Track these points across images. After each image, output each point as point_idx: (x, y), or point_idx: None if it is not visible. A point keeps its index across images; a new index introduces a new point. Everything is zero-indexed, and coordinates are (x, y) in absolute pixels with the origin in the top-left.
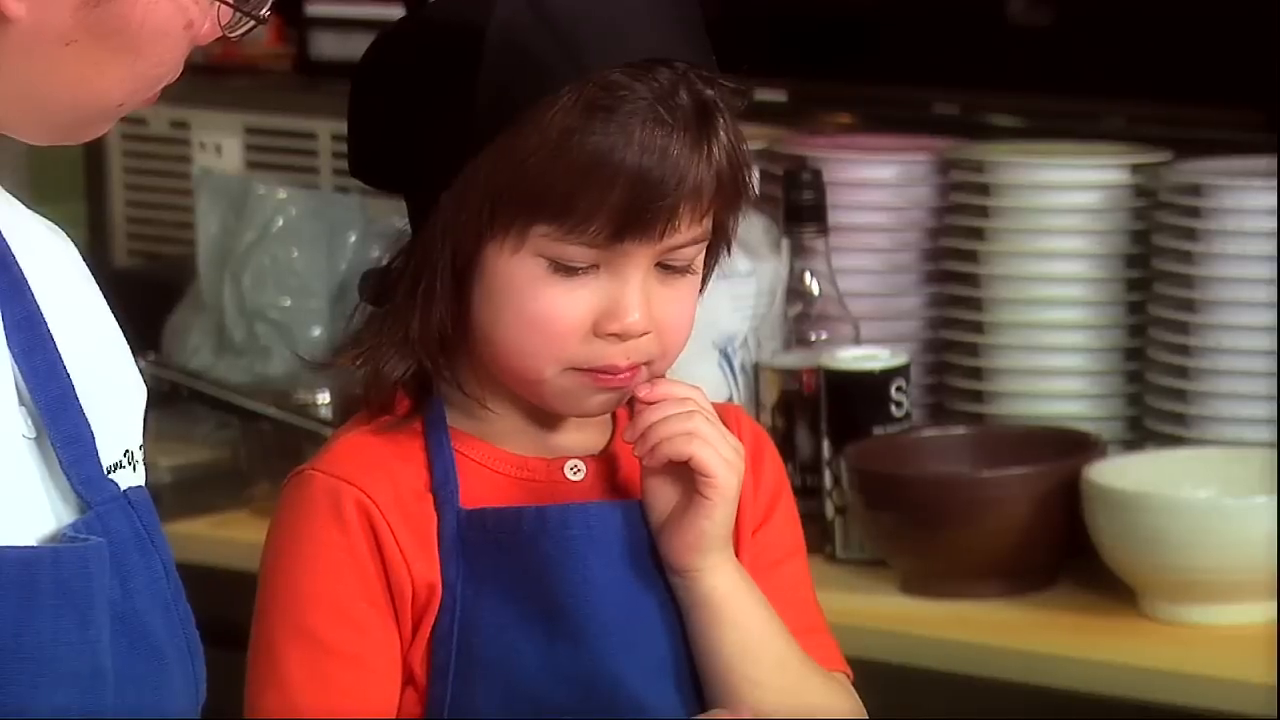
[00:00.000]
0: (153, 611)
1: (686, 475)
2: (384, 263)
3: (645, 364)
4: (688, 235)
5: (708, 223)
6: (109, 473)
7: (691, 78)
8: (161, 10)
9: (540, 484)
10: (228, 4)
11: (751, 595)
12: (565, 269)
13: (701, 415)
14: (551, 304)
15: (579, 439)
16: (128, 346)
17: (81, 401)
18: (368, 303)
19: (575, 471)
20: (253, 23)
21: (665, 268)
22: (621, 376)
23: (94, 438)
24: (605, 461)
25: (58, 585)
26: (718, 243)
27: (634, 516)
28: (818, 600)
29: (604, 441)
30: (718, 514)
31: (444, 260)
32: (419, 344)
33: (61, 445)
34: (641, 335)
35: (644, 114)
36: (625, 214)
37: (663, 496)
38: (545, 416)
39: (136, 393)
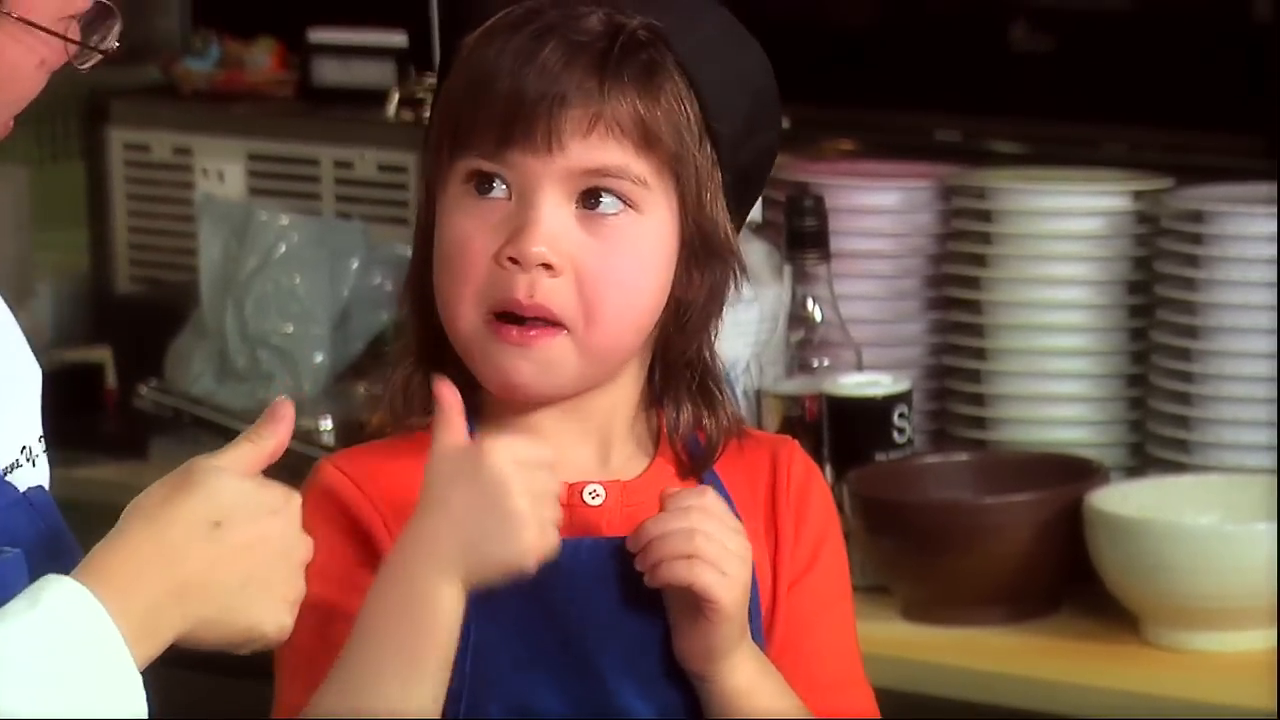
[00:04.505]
0: None
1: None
2: None
3: (561, 325)
4: (588, 159)
5: (627, 160)
6: (6, 474)
7: (615, 13)
8: (9, 53)
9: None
10: (74, 41)
11: (772, 686)
12: (478, 191)
13: (702, 532)
14: (463, 229)
15: (608, 466)
16: (17, 326)
17: None
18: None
19: (594, 496)
20: (99, 55)
21: (587, 207)
22: (531, 334)
23: None
24: (630, 490)
25: None
26: (689, 224)
27: None
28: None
29: (638, 470)
30: (723, 629)
31: (419, 225)
32: (410, 319)
33: None
34: (544, 268)
35: (539, 28)
36: (502, 116)
37: (673, 601)
38: (559, 434)
39: (31, 379)
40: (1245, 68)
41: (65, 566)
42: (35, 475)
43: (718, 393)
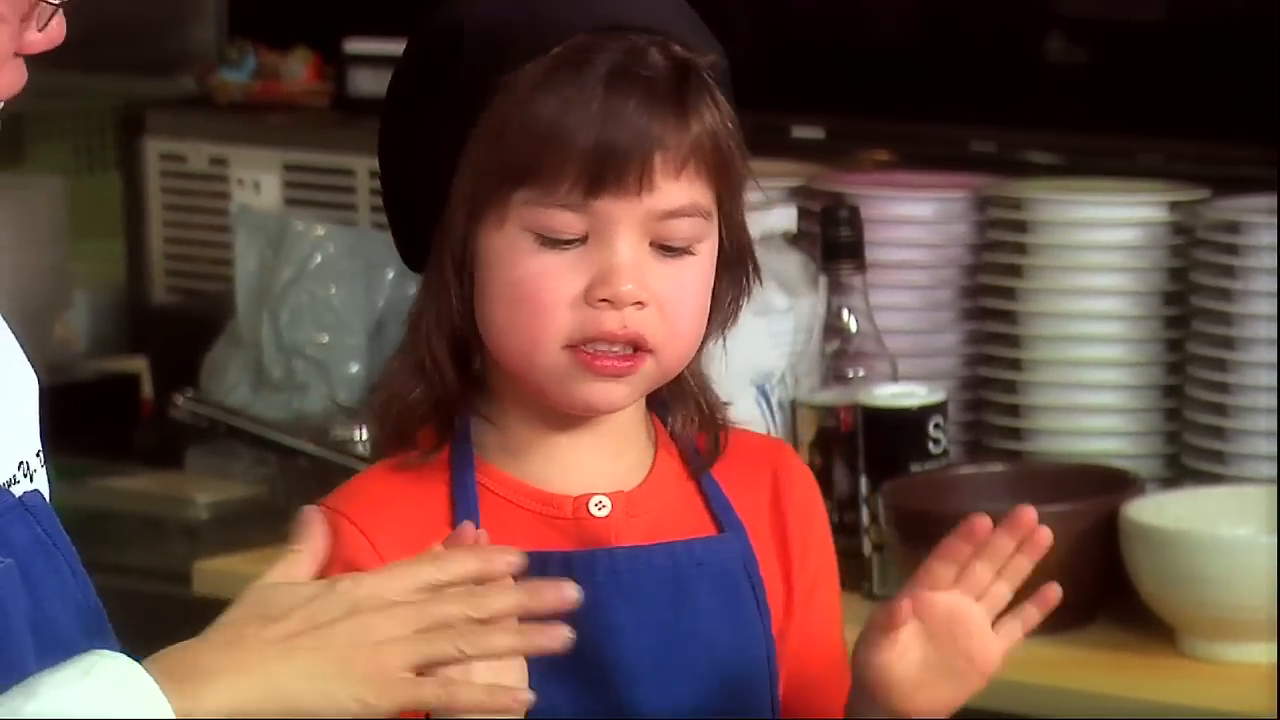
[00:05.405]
0: (66, 615)
1: (953, 647)
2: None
3: (650, 351)
4: (673, 200)
5: (698, 194)
6: (4, 488)
7: (666, 42)
8: None
9: (565, 521)
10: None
11: None
12: (552, 242)
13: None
14: (541, 271)
15: (611, 474)
16: (12, 335)
17: None
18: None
19: (600, 508)
20: (53, 9)
21: (662, 248)
22: (627, 364)
23: None
24: (634, 499)
25: None
26: (726, 234)
27: (663, 560)
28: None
29: (641, 476)
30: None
31: (448, 256)
32: (432, 358)
33: None
34: (635, 305)
35: (610, 68)
36: (593, 167)
37: (929, 656)
38: (575, 447)
39: (28, 391)
40: None
41: (60, 565)
42: (33, 489)
43: (697, 384)
